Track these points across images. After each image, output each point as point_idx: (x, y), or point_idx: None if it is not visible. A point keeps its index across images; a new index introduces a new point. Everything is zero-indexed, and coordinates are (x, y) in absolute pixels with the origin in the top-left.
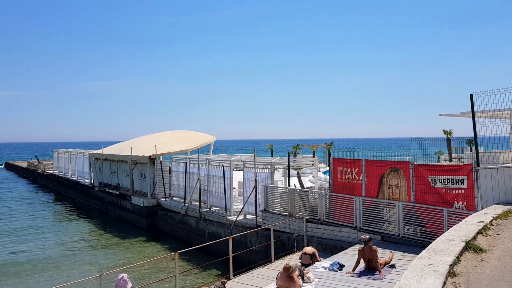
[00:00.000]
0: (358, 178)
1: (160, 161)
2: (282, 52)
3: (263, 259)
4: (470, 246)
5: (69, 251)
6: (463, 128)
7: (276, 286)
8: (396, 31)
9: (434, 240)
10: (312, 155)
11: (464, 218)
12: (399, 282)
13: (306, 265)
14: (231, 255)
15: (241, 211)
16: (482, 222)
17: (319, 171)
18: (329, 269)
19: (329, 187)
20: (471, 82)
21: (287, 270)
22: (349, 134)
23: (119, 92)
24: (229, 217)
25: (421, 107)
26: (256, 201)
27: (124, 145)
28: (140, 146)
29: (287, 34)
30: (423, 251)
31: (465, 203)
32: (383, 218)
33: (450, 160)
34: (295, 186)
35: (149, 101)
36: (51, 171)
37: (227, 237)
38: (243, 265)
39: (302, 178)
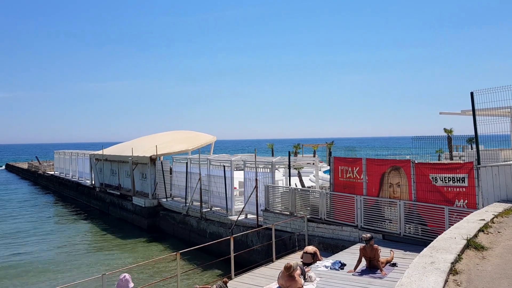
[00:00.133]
0: (359, 177)
1: (161, 162)
2: (282, 52)
3: (265, 259)
4: (471, 244)
5: (71, 253)
6: (463, 126)
7: (278, 285)
8: (396, 31)
9: (435, 238)
10: (312, 155)
11: (465, 216)
12: (401, 280)
13: (308, 264)
14: (232, 254)
15: (242, 210)
16: (483, 220)
17: (320, 170)
18: (330, 268)
19: (330, 186)
20: (471, 81)
21: (288, 269)
22: (350, 133)
23: (119, 92)
24: (230, 217)
25: (421, 106)
26: (257, 200)
27: (125, 145)
28: (141, 147)
29: (287, 34)
30: (424, 249)
31: (466, 201)
32: (384, 216)
33: (451, 159)
34: (296, 186)
35: (149, 101)
36: (52, 172)
37: (229, 237)
38: (245, 265)
39: (303, 178)
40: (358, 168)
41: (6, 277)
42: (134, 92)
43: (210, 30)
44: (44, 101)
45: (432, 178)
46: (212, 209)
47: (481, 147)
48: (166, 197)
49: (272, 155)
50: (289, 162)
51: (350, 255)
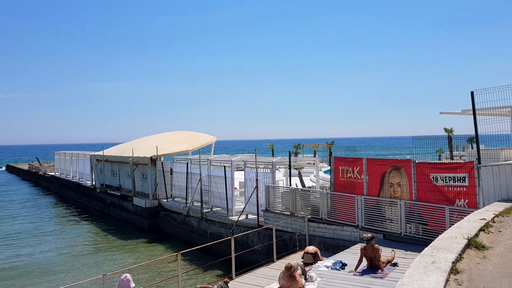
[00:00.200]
0: (359, 177)
1: (161, 162)
2: (282, 52)
3: (265, 259)
4: (472, 243)
5: (72, 254)
6: (464, 126)
7: (279, 285)
8: (396, 32)
9: (436, 238)
10: (313, 155)
11: (466, 215)
12: (402, 280)
13: (309, 264)
14: (233, 255)
15: (242, 211)
16: (484, 219)
17: (320, 170)
18: (331, 268)
19: (330, 186)
20: (471, 81)
21: (289, 269)
22: (350, 134)
23: (119, 93)
24: (230, 217)
25: (421, 106)
26: (257, 201)
27: (125, 146)
28: (141, 147)
29: (287, 34)
30: (425, 248)
31: (466, 200)
32: (385, 216)
33: (451, 158)
34: (297, 186)
35: (149, 102)
36: (53, 173)
37: (229, 237)
38: (245, 265)
39: (304, 178)
40: (358, 168)
41: (7, 278)
42: (134, 93)
43: (210, 30)
44: (44, 101)
45: (433, 177)
46: (213, 209)
47: (481, 146)
48: (167, 198)
49: (273, 155)
50: (290, 162)
51: (351, 255)
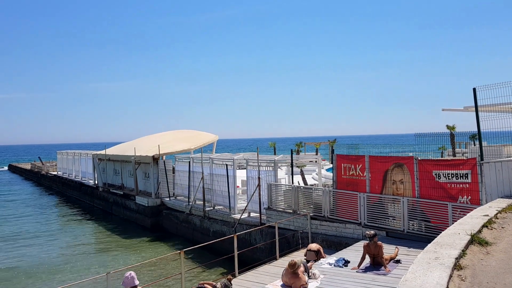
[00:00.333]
0: (362, 174)
1: (164, 161)
2: (283, 52)
3: (268, 257)
4: (475, 239)
5: (75, 253)
6: (466, 123)
7: (282, 282)
8: (396, 32)
9: (439, 235)
10: (315, 153)
11: (468, 212)
12: (405, 275)
13: (311, 262)
14: (236, 252)
15: (245, 209)
16: (487, 215)
17: (323, 168)
18: (334, 265)
19: (333, 183)
20: (472, 79)
21: (293, 266)
22: (352, 132)
23: (120, 93)
24: (233, 215)
25: (424, 103)
26: (260, 199)
27: (127, 145)
28: (143, 146)
29: (288, 33)
30: (428, 244)
31: (469, 197)
32: (387, 213)
33: (454, 155)
34: (299, 184)
35: (151, 101)
36: (55, 173)
37: (232, 235)
38: (248, 263)
39: (306, 176)
40: (361, 165)
41: (11, 278)
42: (135, 92)
43: (210, 30)
44: (46, 101)
45: (435, 174)
46: (215, 207)
47: (484, 143)
48: (169, 196)
49: (275, 154)
50: (292, 160)
51: (354, 252)
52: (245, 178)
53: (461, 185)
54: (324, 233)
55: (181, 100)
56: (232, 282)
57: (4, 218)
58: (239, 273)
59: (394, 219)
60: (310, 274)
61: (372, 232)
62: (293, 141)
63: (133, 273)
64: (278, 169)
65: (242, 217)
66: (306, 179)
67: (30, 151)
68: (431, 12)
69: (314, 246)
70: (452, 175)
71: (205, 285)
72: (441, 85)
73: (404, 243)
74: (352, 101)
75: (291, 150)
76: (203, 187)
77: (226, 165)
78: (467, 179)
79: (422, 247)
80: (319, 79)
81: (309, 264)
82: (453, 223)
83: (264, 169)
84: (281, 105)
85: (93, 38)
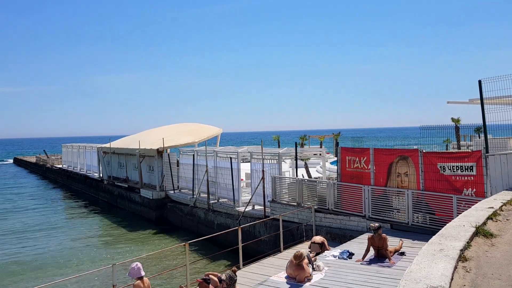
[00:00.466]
0: (366, 167)
1: (168, 154)
2: (288, 47)
3: (272, 249)
4: (480, 231)
5: (81, 246)
6: (471, 116)
7: (286, 274)
8: (395, 31)
9: (443, 227)
10: (319, 146)
11: (473, 204)
12: (410, 267)
13: (316, 254)
14: (240, 244)
15: (249, 202)
16: (492, 208)
17: (327, 161)
18: (338, 258)
19: (337, 176)
20: (477, 72)
21: (298, 257)
22: (356, 125)
23: (125, 86)
24: (237, 208)
25: (429, 96)
26: (264, 191)
27: (132, 138)
28: (148, 139)
29: (293, 28)
30: (433, 236)
31: (474, 189)
32: (392, 206)
33: (459, 148)
34: (303, 177)
35: (156, 94)
36: (60, 166)
37: (236, 228)
38: (252, 255)
39: (310, 169)
40: (365, 158)
41: (17, 271)
42: (141, 86)
43: (212, 26)
44: (51, 95)
45: (440, 167)
46: (219, 200)
47: (489, 136)
48: (174, 189)
49: (279, 147)
50: (296, 153)
51: (358, 245)
52: (249, 171)
53: (466, 178)
54: (328, 226)
55: (186, 94)
56: (237, 273)
57: (10, 212)
58: (244, 265)
59: (399, 212)
60: (314, 266)
61: (377, 224)
62: (297, 134)
63: (139, 264)
64: (282, 162)
65: (246, 210)
66: (310, 172)
67: (35, 144)
68: (431, 11)
69: (318, 238)
70: (457, 168)
71: (210, 276)
72: (446, 80)
73: (409, 235)
74: (356, 94)
75: (295, 143)
76: (207, 180)
77: (230, 158)
78: (472, 171)
79: (427, 240)
80: (323, 72)
81: (312, 256)
82: (457, 216)
83: (268, 162)
84: (286, 98)
85: (99, 33)
